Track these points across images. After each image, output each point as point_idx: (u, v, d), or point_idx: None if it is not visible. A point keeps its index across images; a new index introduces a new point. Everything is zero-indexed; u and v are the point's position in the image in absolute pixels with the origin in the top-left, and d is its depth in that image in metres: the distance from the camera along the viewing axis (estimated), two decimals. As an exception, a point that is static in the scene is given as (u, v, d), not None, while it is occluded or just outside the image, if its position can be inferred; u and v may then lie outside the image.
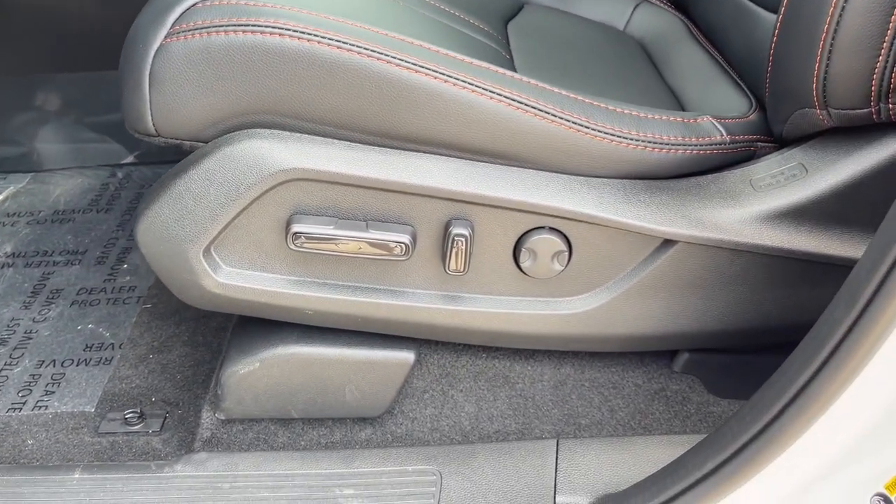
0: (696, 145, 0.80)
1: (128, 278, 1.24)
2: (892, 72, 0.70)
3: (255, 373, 0.86)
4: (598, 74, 1.04)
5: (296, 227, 0.76)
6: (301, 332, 0.87)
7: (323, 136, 0.76)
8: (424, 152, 0.77)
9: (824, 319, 0.67)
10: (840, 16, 0.70)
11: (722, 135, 0.82)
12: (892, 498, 0.68)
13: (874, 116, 0.74)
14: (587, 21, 1.25)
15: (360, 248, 0.77)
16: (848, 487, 0.69)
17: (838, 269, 0.80)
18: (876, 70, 0.71)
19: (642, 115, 0.81)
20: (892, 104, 0.73)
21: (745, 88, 0.96)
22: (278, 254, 0.79)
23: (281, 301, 0.81)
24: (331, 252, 0.77)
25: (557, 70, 1.02)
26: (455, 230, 0.77)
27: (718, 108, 0.93)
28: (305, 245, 0.77)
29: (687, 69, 1.07)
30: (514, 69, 0.98)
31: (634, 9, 1.27)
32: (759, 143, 0.85)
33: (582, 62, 1.06)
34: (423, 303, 0.81)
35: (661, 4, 1.26)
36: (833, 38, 0.71)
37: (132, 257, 1.29)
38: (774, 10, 0.87)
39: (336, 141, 0.76)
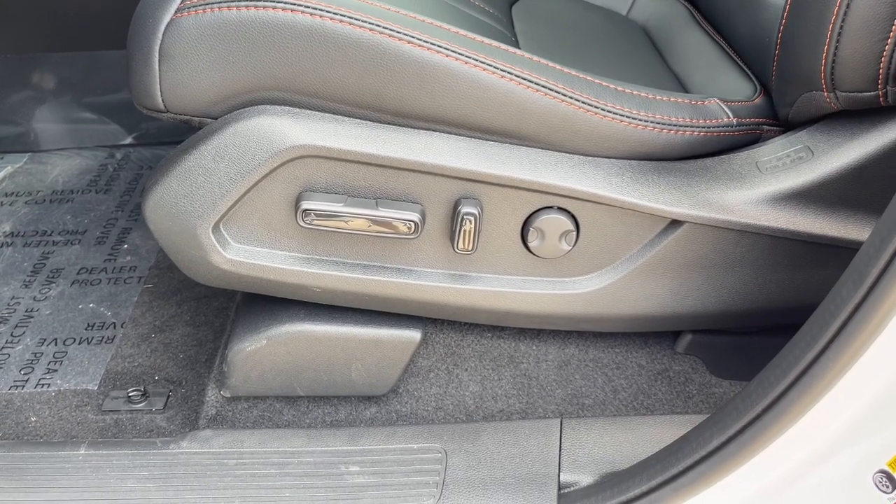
0: (703, 127, 0.81)
1: (128, 258, 1.23)
2: (900, 55, 0.71)
3: (261, 350, 0.87)
4: (602, 58, 1.04)
5: (305, 204, 0.76)
6: (308, 310, 0.87)
7: (334, 113, 0.76)
8: (435, 131, 0.77)
9: (831, 298, 0.68)
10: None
11: (729, 117, 0.83)
12: (895, 475, 0.69)
13: (881, 99, 0.75)
14: (590, 5, 1.25)
15: (369, 225, 0.77)
16: (851, 464, 0.70)
17: (842, 251, 0.80)
18: (884, 53, 0.71)
19: (650, 96, 0.82)
20: (899, 87, 0.74)
21: (750, 73, 0.97)
22: (287, 231, 0.79)
23: (289, 278, 0.81)
24: (340, 229, 0.78)
25: (562, 54, 1.02)
26: (464, 209, 0.77)
27: (724, 92, 0.94)
28: (315, 222, 0.77)
29: (691, 54, 1.07)
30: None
31: (637, -6, 1.27)
32: (765, 127, 0.86)
33: (586, 46, 1.07)
34: (430, 281, 0.82)
35: (664, -10, 1.26)
36: (843, 21, 0.71)
37: (132, 238, 1.28)
38: (781, -4, 0.87)
39: (347, 118, 0.76)
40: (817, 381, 0.69)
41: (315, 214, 0.77)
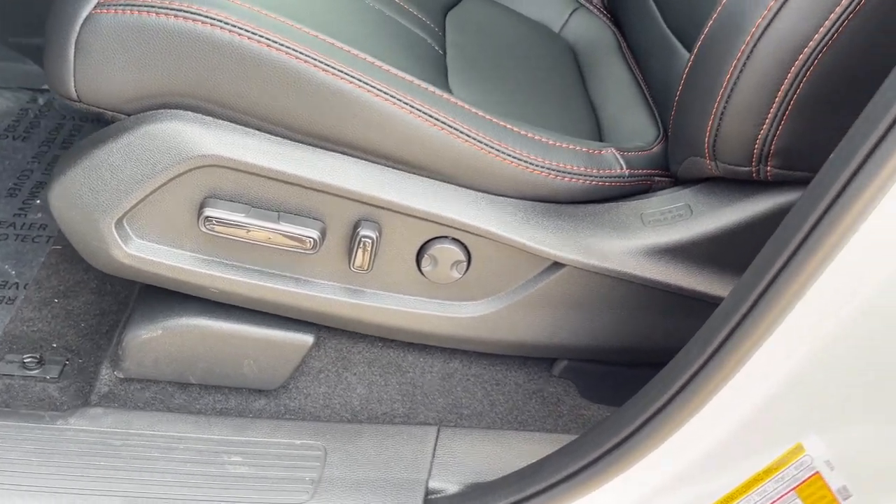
0: (596, 176, 0.86)
1: (39, 215, 1.23)
2: (773, 140, 0.78)
3: (156, 339, 0.90)
4: (524, 82, 1.08)
5: (208, 212, 0.79)
6: (205, 305, 0.90)
7: (245, 125, 0.79)
8: (342, 153, 0.80)
9: (683, 354, 0.75)
10: (735, 83, 0.76)
11: (622, 168, 0.88)
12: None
13: (753, 175, 0.81)
14: (524, 19, 1.28)
15: (270, 237, 0.80)
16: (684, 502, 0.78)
17: (710, 305, 0.88)
18: (759, 137, 0.78)
19: (551, 142, 0.86)
20: (770, 167, 0.80)
21: (658, 116, 1.02)
22: (189, 233, 0.82)
23: (188, 277, 0.84)
24: (240, 238, 0.81)
25: (486, 72, 1.06)
26: (363, 231, 0.81)
27: (628, 133, 0.99)
28: (216, 229, 0.80)
29: (610, 84, 1.12)
30: (445, 66, 1.02)
31: (572, 13, 1.31)
32: (657, 178, 0.92)
33: (511, 66, 1.10)
34: (325, 294, 0.86)
35: (598, 13, 1.30)
36: (726, 102, 0.77)
37: (46, 193, 1.27)
38: (689, 50, 0.92)
39: (257, 132, 0.79)
40: (662, 426, 0.77)
41: (217, 222, 0.79)
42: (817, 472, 0.71)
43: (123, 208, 0.79)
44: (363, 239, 0.81)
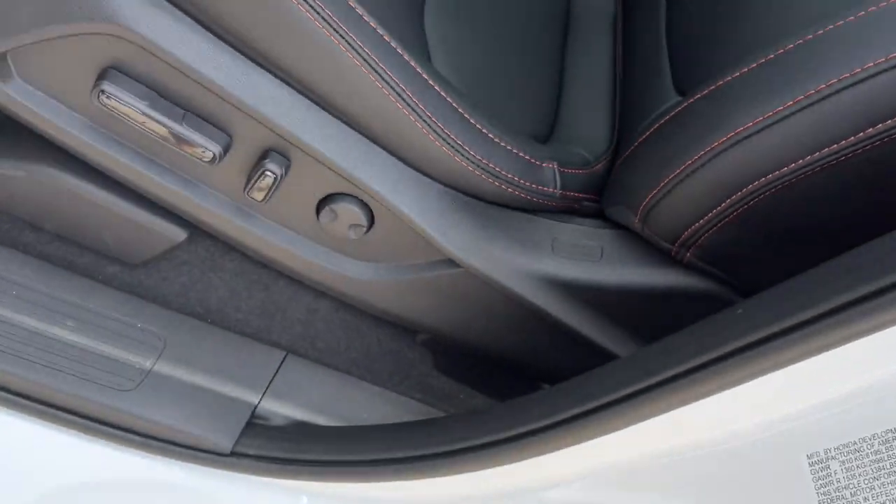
0: (528, 190, 0.82)
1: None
2: (704, 235, 0.76)
3: (17, 179, 0.82)
4: (503, 35, 0.99)
5: (106, 86, 0.70)
6: (79, 162, 0.81)
7: (182, 10, 0.68)
8: (273, 75, 0.72)
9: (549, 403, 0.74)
10: (695, 170, 0.72)
11: (556, 188, 0.84)
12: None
13: (673, 253, 0.80)
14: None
15: (167, 136, 0.72)
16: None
17: (584, 347, 0.88)
18: (693, 226, 0.75)
19: (494, 138, 0.80)
20: (690, 254, 0.79)
21: (617, 123, 0.97)
22: (82, 96, 0.72)
23: (68, 140, 0.75)
24: (135, 124, 0.72)
25: (467, 11, 0.96)
26: (269, 164, 0.74)
27: (580, 136, 0.94)
28: (110, 104, 0.71)
29: (583, 68, 1.05)
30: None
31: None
32: (586, 203, 0.88)
33: (491, 15, 1.01)
34: (213, 207, 0.79)
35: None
36: (678, 182, 0.74)
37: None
38: (682, 94, 0.84)
39: (188, 20, 0.68)
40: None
41: (113, 98, 0.70)
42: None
43: (9, 44, 0.68)
44: (267, 172, 0.74)
